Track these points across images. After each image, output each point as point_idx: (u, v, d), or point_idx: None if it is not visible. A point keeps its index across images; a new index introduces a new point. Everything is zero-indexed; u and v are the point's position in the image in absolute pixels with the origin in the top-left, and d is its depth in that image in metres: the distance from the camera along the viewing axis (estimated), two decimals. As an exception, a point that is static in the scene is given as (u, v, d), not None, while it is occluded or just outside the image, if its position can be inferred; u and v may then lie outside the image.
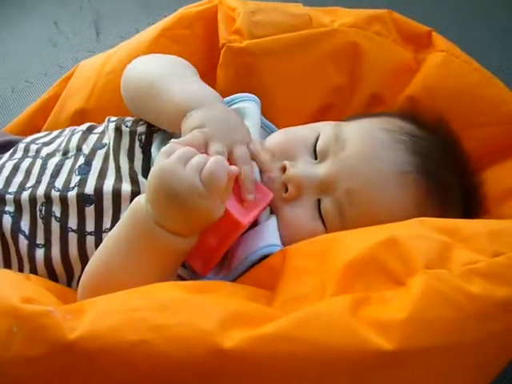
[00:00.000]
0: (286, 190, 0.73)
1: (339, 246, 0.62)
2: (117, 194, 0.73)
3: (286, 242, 0.70)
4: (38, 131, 0.96)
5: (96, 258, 0.67)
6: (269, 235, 0.70)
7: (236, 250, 0.69)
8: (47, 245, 0.73)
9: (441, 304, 0.53)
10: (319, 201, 0.73)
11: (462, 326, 0.53)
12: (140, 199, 0.65)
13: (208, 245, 0.66)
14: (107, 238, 0.67)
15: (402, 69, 0.89)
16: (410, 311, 0.52)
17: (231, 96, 0.84)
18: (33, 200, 0.74)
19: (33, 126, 0.99)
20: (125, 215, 0.66)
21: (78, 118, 0.93)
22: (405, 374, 0.53)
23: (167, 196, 0.62)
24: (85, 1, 1.66)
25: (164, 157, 0.63)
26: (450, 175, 0.76)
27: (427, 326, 0.52)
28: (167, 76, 0.78)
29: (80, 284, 0.67)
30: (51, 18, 1.62)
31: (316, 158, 0.75)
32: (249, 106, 0.82)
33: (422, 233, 0.59)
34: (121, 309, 0.55)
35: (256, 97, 0.83)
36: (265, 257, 0.67)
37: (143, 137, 0.79)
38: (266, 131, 0.85)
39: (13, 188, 0.76)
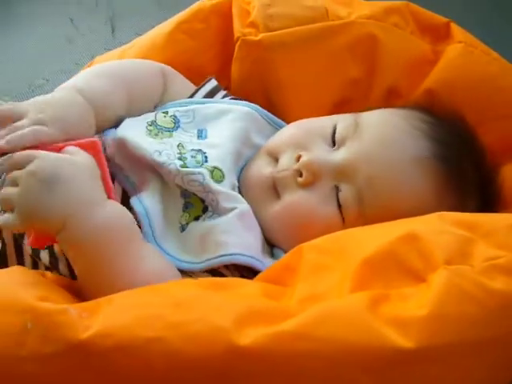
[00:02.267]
0: (301, 176, 0.72)
1: (357, 241, 0.61)
2: None
3: (298, 230, 0.70)
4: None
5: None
6: (243, 237, 0.69)
7: (207, 234, 0.69)
8: None
9: (462, 300, 0.52)
10: (337, 188, 0.72)
11: (484, 321, 0.52)
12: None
13: None
14: None
15: (420, 61, 0.88)
16: (430, 308, 0.51)
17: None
18: None
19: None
20: None
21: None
22: (427, 371, 0.52)
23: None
24: (100, -2, 1.67)
25: None
26: (468, 163, 0.76)
27: (448, 323, 0.51)
28: None
29: None
30: (67, 15, 1.62)
31: (334, 146, 0.74)
32: (238, 108, 0.81)
33: (441, 227, 0.58)
34: (136, 306, 0.54)
35: (258, 106, 0.83)
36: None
37: None
38: (274, 128, 0.84)
39: None
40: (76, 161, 0.65)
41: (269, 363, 0.50)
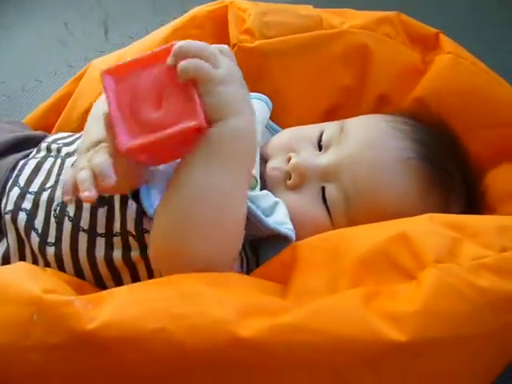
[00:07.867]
0: (290, 179, 0.75)
1: (350, 240, 0.63)
2: (124, 198, 0.72)
3: None
4: (51, 128, 0.98)
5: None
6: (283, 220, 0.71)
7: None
8: (57, 243, 0.73)
9: (451, 297, 0.54)
10: (323, 188, 0.75)
11: (472, 318, 0.54)
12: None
13: None
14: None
15: (410, 70, 0.90)
16: (421, 304, 0.54)
17: None
18: (50, 200, 0.75)
19: (46, 123, 1.00)
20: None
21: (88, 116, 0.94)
22: (418, 364, 0.55)
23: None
24: (94, 2, 1.68)
25: None
26: (451, 163, 0.78)
27: (439, 318, 0.54)
28: None
29: (153, 250, 0.65)
30: (61, 18, 1.64)
31: (320, 150, 0.77)
32: (256, 104, 0.84)
33: (431, 228, 0.60)
34: (140, 299, 0.56)
35: (267, 98, 0.85)
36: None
37: None
38: (271, 132, 0.88)
39: (34, 188, 0.77)
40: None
41: (268, 354, 0.52)
